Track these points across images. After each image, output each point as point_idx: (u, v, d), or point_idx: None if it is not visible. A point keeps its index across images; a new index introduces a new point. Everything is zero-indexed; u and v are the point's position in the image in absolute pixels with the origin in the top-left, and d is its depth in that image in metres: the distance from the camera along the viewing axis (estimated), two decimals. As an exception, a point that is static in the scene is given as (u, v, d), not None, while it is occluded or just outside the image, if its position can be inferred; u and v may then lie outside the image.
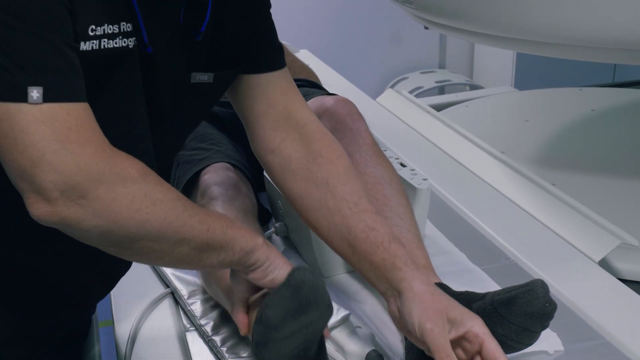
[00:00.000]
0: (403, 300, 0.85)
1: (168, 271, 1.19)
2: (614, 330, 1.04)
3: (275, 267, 0.83)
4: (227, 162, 1.24)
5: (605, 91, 2.59)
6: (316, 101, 1.31)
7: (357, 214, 0.91)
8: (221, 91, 0.93)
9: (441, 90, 3.83)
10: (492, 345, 0.80)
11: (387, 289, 0.88)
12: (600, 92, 2.56)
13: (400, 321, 0.87)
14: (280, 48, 0.98)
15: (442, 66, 4.09)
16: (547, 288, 0.85)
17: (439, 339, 0.79)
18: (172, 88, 0.82)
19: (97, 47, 0.70)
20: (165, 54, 0.79)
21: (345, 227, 0.91)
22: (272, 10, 0.99)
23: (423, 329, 0.80)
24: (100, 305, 1.22)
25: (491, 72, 3.95)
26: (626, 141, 2.08)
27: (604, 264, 1.28)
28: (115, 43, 0.72)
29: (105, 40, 0.71)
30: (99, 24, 0.70)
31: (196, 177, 1.22)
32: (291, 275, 0.79)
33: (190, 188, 1.23)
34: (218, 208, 1.11)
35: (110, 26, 0.71)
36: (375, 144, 1.22)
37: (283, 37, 1.91)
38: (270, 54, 0.96)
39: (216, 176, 1.19)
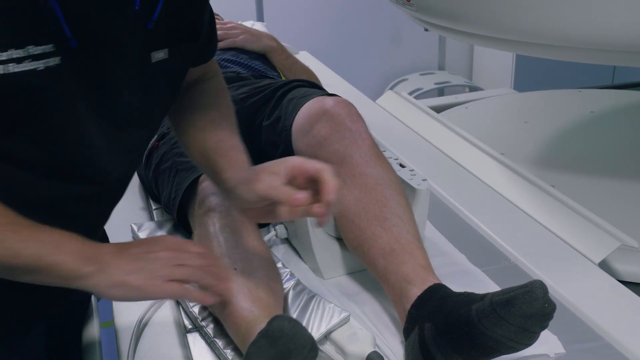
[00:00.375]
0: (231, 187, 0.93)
1: None
2: (614, 332, 1.04)
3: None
4: None
5: (604, 93, 2.59)
6: (316, 102, 1.31)
7: (218, 131, 1.00)
8: (180, 67, 0.94)
9: (441, 91, 3.83)
10: (311, 164, 0.89)
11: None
12: (600, 94, 2.56)
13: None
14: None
15: (441, 68, 4.10)
16: (546, 289, 0.85)
17: (275, 190, 0.89)
18: (134, 75, 0.83)
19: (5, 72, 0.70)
20: (122, 44, 0.80)
21: (214, 142, 0.98)
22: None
23: (256, 190, 0.90)
24: (101, 306, 1.23)
25: (491, 74, 3.96)
26: (625, 143, 2.08)
27: (604, 265, 1.28)
28: (25, 66, 0.72)
29: (14, 64, 0.71)
30: (4, 48, 0.70)
31: (194, 183, 1.23)
32: (269, 324, 0.81)
33: (189, 195, 1.23)
34: (216, 219, 1.11)
35: (21, 50, 0.71)
36: (374, 145, 1.22)
37: (283, 39, 1.92)
38: (214, 42, 1.03)
39: (213, 186, 1.19)
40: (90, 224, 0.95)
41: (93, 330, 1.13)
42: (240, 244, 1.07)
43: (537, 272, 1.22)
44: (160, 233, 1.32)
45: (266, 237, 1.27)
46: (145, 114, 0.90)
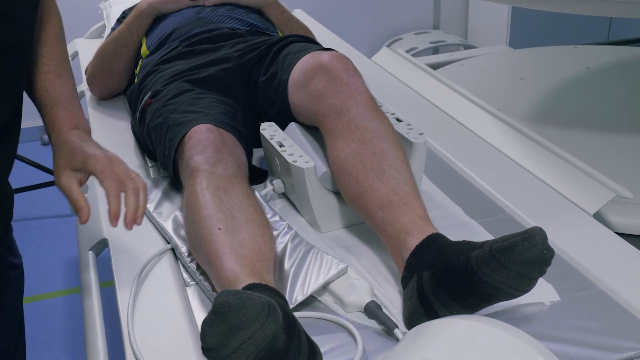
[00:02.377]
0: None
1: (169, 228, 1.20)
2: (608, 280, 1.06)
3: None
4: (209, 124, 1.23)
5: (600, 49, 2.58)
6: (312, 57, 1.31)
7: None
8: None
9: (435, 50, 3.81)
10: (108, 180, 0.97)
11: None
12: (595, 50, 2.55)
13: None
14: None
15: (436, 27, 4.06)
16: (545, 235, 0.86)
17: (69, 191, 0.96)
18: None
19: None
20: None
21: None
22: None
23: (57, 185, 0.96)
24: (100, 264, 1.24)
25: (486, 32, 3.93)
26: (620, 98, 2.09)
27: (599, 218, 1.29)
28: None
29: None
30: None
31: (183, 141, 1.22)
32: (215, 300, 0.80)
33: (179, 152, 1.23)
34: (202, 179, 1.10)
35: None
36: (372, 98, 1.22)
37: (277, -5, 1.89)
38: None
39: (196, 144, 1.18)
40: None
41: (92, 292, 1.14)
42: (225, 202, 1.07)
43: (533, 223, 1.22)
44: (157, 191, 1.32)
45: (263, 192, 1.28)
46: None
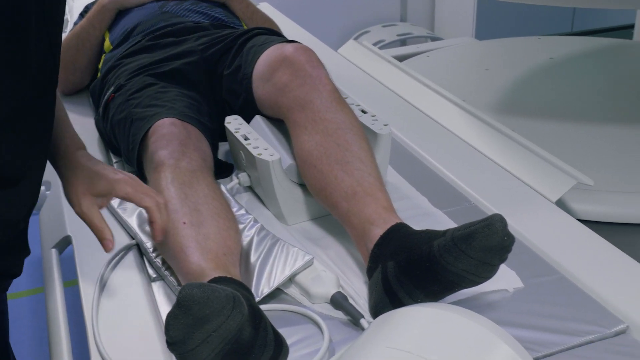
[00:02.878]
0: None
1: (134, 223, 1.19)
2: (570, 266, 1.07)
3: None
4: (173, 118, 1.23)
5: (563, 39, 2.62)
6: (275, 49, 1.30)
7: None
8: None
9: (403, 43, 3.82)
10: (139, 197, 0.94)
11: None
12: (559, 41, 2.59)
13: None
14: None
15: (403, 19, 4.08)
16: (505, 222, 0.87)
17: (91, 219, 0.90)
18: None
19: None
20: None
21: None
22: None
23: (78, 213, 0.91)
24: (66, 261, 1.22)
25: (452, 24, 3.95)
26: (583, 87, 2.12)
27: (561, 205, 1.31)
28: None
29: None
30: None
31: (147, 135, 1.21)
32: (180, 293, 0.79)
33: (142, 146, 1.22)
34: (167, 173, 1.10)
35: None
36: (335, 90, 1.22)
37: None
38: None
39: (160, 138, 1.17)
40: None
41: (55, 289, 1.13)
42: (190, 196, 1.06)
43: (497, 211, 1.23)
44: None
45: (229, 186, 1.27)
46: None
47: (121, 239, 1.18)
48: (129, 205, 1.25)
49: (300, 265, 1.04)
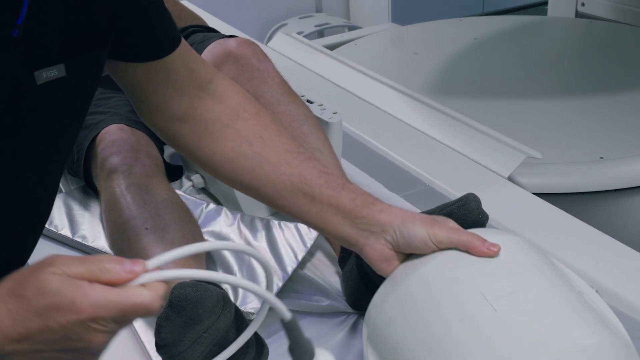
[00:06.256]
0: (399, 228, 0.78)
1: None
2: (530, 236, 1.08)
3: None
4: (121, 124, 1.18)
5: (483, 20, 2.68)
6: (218, 45, 1.27)
7: (305, 162, 0.84)
8: (83, 82, 0.75)
9: (321, 34, 3.82)
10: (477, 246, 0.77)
11: (364, 229, 0.80)
12: (479, 21, 2.64)
13: (403, 247, 0.79)
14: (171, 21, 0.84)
15: (319, 10, 4.08)
16: (479, 201, 0.87)
17: (459, 235, 0.77)
18: (10, 102, 0.65)
19: None
20: None
21: (297, 178, 0.83)
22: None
23: (437, 236, 0.77)
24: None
25: (368, 12, 3.98)
26: (510, 64, 2.17)
27: (513, 181, 1.33)
28: None
29: None
30: None
31: (94, 143, 1.16)
32: (172, 294, 0.76)
33: (90, 155, 1.17)
34: (120, 180, 1.06)
35: None
36: (284, 82, 1.20)
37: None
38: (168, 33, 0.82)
39: (110, 145, 1.13)
40: None
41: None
42: (149, 202, 1.03)
43: (452, 191, 1.25)
44: (70, 205, 1.21)
45: (183, 189, 1.23)
46: (41, 151, 0.72)
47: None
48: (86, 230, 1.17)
49: (314, 237, 1.05)
